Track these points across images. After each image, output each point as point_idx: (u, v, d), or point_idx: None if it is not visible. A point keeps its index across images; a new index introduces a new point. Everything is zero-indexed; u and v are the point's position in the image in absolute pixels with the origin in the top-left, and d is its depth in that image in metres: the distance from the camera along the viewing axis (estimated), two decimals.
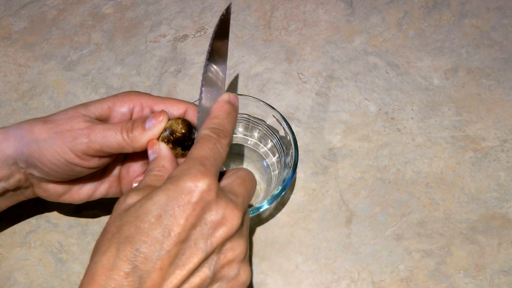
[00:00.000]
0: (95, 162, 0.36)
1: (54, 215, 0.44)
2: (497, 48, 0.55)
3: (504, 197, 0.45)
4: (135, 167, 0.39)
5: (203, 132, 0.33)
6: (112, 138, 0.35)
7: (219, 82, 0.37)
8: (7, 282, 0.40)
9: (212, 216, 0.29)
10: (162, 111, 0.36)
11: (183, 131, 0.36)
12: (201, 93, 0.35)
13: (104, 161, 0.36)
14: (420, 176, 0.46)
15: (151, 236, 0.27)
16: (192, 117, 0.37)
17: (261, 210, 0.39)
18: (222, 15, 0.38)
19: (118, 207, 0.30)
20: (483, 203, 0.45)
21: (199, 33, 0.57)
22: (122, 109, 0.37)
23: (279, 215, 0.44)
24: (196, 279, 0.28)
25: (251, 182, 0.34)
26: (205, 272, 0.29)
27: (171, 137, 0.35)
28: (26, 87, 0.52)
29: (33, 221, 0.43)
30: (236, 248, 0.30)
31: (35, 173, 0.36)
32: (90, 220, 0.43)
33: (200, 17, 0.58)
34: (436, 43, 0.56)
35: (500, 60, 0.54)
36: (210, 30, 0.57)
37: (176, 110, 0.37)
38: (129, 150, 0.35)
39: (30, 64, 0.54)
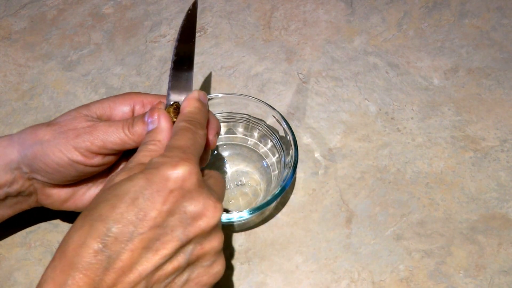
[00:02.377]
0: (98, 160, 0.36)
1: (55, 215, 0.44)
2: (497, 48, 0.55)
3: (504, 197, 0.45)
4: None
5: (179, 124, 0.33)
6: (115, 134, 0.35)
7: (187, 80, 0.37)
8: (7, 282, 0.40)
9: (193, 206, 0.29)
10: (159, 102, 0.36)
11: None
12: (168, 90, 0.36)
13: (107, 159, 0.36)
14: (420, 176, 0.46)
15: (125, 217, 0.27)
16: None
17: (260, 210, 0.39)
18: (189, 10, 0.38)
19: (105, 185, 0.30)
20: (483, 203, 0.45)
21: (199, 33, 0.57)
22: (123, 108, 0.37)
23: (279, 215, 0.44)
24: (169, 266, 0.28)
25: (223, 184, 0.34)
26: (179, 261, 0.29)
27: (177, 110, 0.35)
28: (26, 87, 0.52)
29: (33, 221, 0.43)
30: (213, 240, 0.30)
31: (39, 177, 0.36)
32: None
33: (200, 17, 0.58)
34: (436, 43, 0.56)
35: (500, 60, 0.54)
36: (210, 30, 0.57)
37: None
38: (132, 145, 0.36)
39: (30, 64, 0.54)
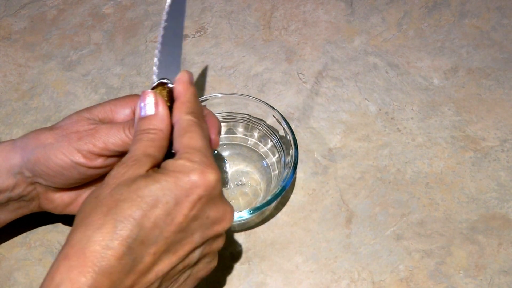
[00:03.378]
0: (101, 162, 0.36)
1: (54, 215, 0.44)
2: (497, 48, 0.55)
3: (504, 197, 0.45)
4: None
5: (186, 117, 0.32)
6: (116, 135, 0.35)
7: (174, 56, 0.36)
8: (7, 282, 0.40)
9: (215, 212, 0.30)
10: (147, 91, 0.36)
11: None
12: (155, 67, 0.35)
13: (109, 161, 0.36)
14: (420, 176, 0.46)
15: (152, 220, 0.27)
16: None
17: (261, 210, 0.39)
18: None
19: (116, 177, 0.29)
20: (483, 203, 0.45)
21: (199, 33, 0.57)
22: (124, 110, 0.37)
23: (279, 215, 0.44)
24: (181, 265, 0.29)
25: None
26: (190, 260, 0.30)
27: (170, 94, 0.33)
28: (26, 87, 0.52)
29: (33, 221, 0.43)
30: (220, 242, 0.32)
31: (42, 181, 0.36)
32: None
33: (200, 17, 0.58)
34: (436, 43, 0.56)
35: (500, 60, 0.54)
36: (210, 30, 0.57)
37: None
38: None
39: (30, 64, 0.54)
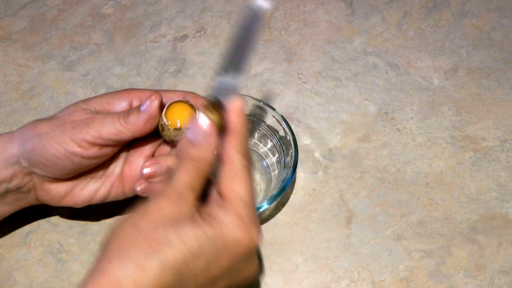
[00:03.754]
0: (95, 152, 0.36)
1: (54, 215, 0.44)
2: (497, 48, 0.55)
3: (504, 197, 0.45)
4: (138, 163, 0.39)
5: (239, 159, 0.30)
6: (110, 124, 0.35)
7: (236, 75, 0.33)
8: (7, 282, 0.40)
9: (247, 266, 0.31)
10: (154, 91, 0.36)
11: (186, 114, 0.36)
12: (218, 77, 0.32)
13: (104, 151, 0.36)
14: (420, 176, 0.46)
15: (192, 269, 0.28)
16: (190, 95, 0.38)
17: (260, 210, 0.39)
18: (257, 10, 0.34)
19: (158, 209, 0.29)
20: (483, 203, 0.45)
21: (199, 33, 0.57)
22: (121, 102, 0.38)
23: (279, 215, 0.44)
24: None
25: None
26: None
27: (220, 113, 0.31)
28: (26, 87, 0.52)
29: (33, 221, 0.43)
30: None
31: (37, 170, 0.36)
32: (90, 220, 0.43)
33: (200, 17, 0.58)
34: (436, 43, 0.56)
35: (500, 60, 0.54)
36: (210, 30, 0.57)
37: (174, 98, 0.37)
38: (127, 135, 0.36)
39: (30, 64, 0.54)
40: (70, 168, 0.36)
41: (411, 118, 0.50)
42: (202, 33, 0.57)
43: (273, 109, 0.43)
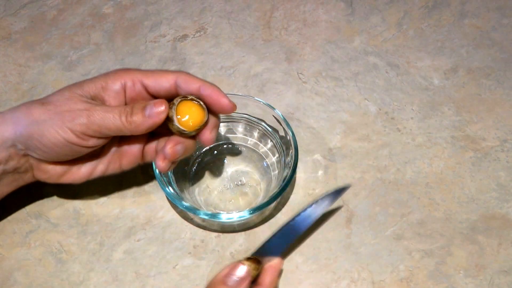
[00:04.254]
0: (93, 142, 0.36)
1: (54, 215, 0.44)
2: (497, 48, 0.55)
3: (504, 197, 0.45)
4: (136, 138, 0.39)
5: None
6: (111, 121, 0.35)
7: (284, 241, 0.39)
8: (7, 282, 0.40)
9: None
10: (162, 101, 0.36)
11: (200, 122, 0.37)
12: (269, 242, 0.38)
13: (102, 141, 0.37)
14: (420, 176, 0.46)
15: None
16: (184, 85, 0.37)
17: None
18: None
19: None
20: (483, 203, 0.45)
21: (199, 33, 0.57)
22: (114, 86, 0.38)
23: (279, 215, 0.44)
24: None
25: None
26: None
27: (257, 266, 0.36)
28: (26, 87, 0.52)
29: (33, 221, 0.43)
30: None
31: (34, 154, 0.37)
32: (90, 220, 0.43)
33: (200, 17, 0.58)
34: (436, 43, 0.56)
35: (500, 60, 0.54)
36: (210, 30, 0.57)
37: (165, 81, 0.37)
38: (127, 133, 0.36)
39: (30, 64, 0.54)
40: (67, 155, 0.37)
41: (411, 118, 0.50)
42: (202, 33, 0.57)
43: (273, 109, 0.43)
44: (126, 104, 0.38)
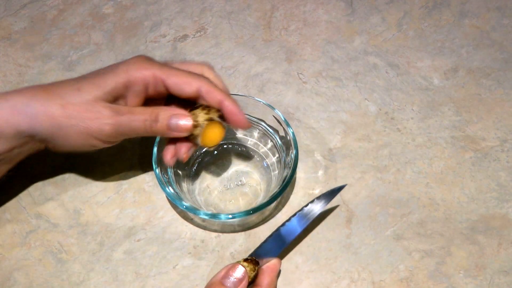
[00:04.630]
0: (116, 143, 0.39)
1: (54, 215, 0.44)
2: (497, 48, 0.55)
3: (504, 197, 0.45)
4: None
5: None
6: (137, 128, 0.37)
7: (280, 244, 0.39)
8: (7, 282, 0.40)
9: None
10: (188, 119, 0.37)
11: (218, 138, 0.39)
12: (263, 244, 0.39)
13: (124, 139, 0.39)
14: (420, 176, 0.46)
15: None
16: (206, 96, 0.37)
17: (262, 209, 0.39)
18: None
19: None
20: (483, 203, 0.45)
21: (199, 33, 0.57)
22: (136, 87, 0.37)
23: (279, 215, 0.44)
24: None
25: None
26: None
27: (254, 268, 0.37)
28: None
29: (33, 221, 0.43)
30: None
31: (50, 145, 0.38)
32: (90, 220, 0.43)
33: (200, 17, 0.58)
34: (436, 43, 0.56)
35: (500, 60, 0.54)
36: (210, 30, 0.57)
37: (188, 88, 0.37)
38: (148, 135, 0.38)
39: (30, 64, 0.54)
40: (87, 151, 0.39)
41: (411, 118, 0.50)
42: (202, 33, 0.57)
43: (273, 109, 0.43)
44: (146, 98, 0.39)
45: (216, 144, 0.39)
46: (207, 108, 0.38)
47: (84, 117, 0.36)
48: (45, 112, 0.36)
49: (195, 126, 0.37)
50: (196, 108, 0.38)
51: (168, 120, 0.37)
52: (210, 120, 0.37)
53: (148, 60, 0.38)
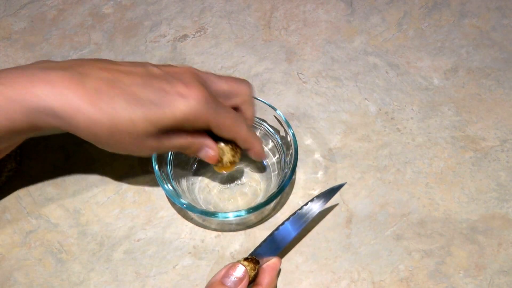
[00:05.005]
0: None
1: (54, 215, 0.44)
2: (497, 48, 0.55)
3: (504, 197, 0.45)
4: None
5: None
6: (178, 144, 0.37)
7: (281, 242, 0.39)
8: (7, 282, 0.40)
9: None
10: (215, 155, 0.39)
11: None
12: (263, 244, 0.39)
13: None
14: (420, 176, 0.46)
15: None
16: (240, 142, 0.39)
17: (260, 209, 0.39)
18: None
19: None
20: (483, 203, 0.45)
21: (199, 33, 0.57)
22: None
23: (278, 215, 0.44)
24: None
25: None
26: None
27: (255, 267, 0.37)
28: None
29: (33, 221, 0.43)
30: None
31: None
32: (90, 220, 0.43)
33: (200, 17, 0.58)
34: (436, 43, 0.56)
35: (500, 60, 0.54)
36: (210, 30, 0.57)
37: (226, 134, 0.38)
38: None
39: None
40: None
41: (411, 118, 0.50)
42: (202, 33, 0.57)
43: (275, 109, 0.43)
44: None
45: (228, 170, 0.42)
46: (235, 150, 0.39)
47: (126, 144, 0.36)
48: (87, 127, 0.34)
49: (218, 161, 0.39)
50: (226, 144, 0.39)
51: (199, 151, 0.38)
52: (233, 163, 0.40)
53: (206, 102, 0.35)
